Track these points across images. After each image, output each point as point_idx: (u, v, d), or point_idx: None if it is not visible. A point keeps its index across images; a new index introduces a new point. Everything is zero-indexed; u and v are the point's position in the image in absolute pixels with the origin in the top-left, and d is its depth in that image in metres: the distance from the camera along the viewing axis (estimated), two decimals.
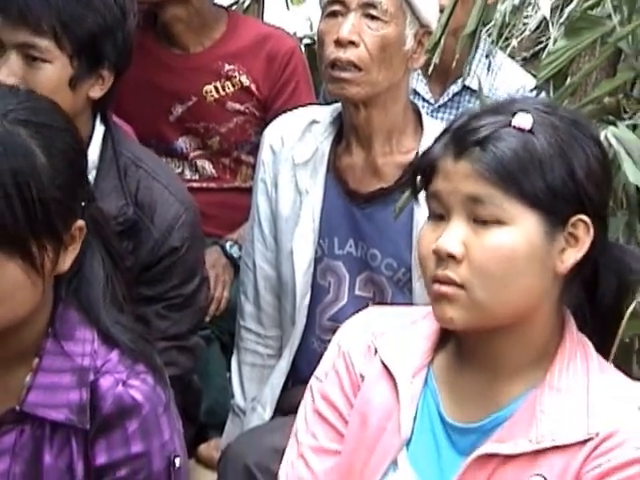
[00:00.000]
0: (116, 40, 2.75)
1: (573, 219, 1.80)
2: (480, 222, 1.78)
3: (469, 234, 1.78)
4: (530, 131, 1.78)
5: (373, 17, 2.78)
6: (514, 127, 1.78)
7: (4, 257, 1.80)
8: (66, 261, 1.90)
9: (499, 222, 1.77)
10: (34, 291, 1.85)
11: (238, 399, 3.05)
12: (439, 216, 1.82)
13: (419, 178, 1.88)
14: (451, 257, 1.77)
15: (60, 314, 1.94)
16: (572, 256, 1.81)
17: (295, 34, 4.06)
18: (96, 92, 2.75)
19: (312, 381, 2.05)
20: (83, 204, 1.92)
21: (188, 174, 3.61)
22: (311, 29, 4.36)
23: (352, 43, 2.77)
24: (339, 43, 2.78)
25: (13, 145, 1.81)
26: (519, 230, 1.77)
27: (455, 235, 1.78)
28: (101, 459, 1.90)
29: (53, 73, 2.67)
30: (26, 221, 1.79)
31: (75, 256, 1.92)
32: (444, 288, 1.79)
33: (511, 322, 1.82)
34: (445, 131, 1.86)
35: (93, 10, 2.71)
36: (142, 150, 2.94)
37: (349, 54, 2.77)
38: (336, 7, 2.81)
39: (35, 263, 1.82)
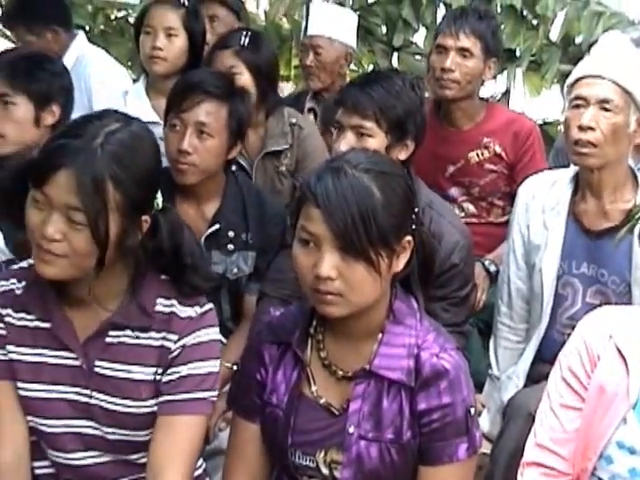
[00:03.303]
0: (416, 120, 2.80)
1: None
2: None
3: None
4: None
5: (607, 109, 2.75)
6: None
7: (353, 261, 1.83)
8: (398, 265, 1.92)
9: None
10: (375, 285, 1.87)
11: (494, 370, 3.06)
12: None
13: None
14: None
15: (396, 307, 1.97)
16: None
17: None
18: (402, 155, 2.80)
19: (560, 356, 2.05)
20: (413, 226, 1.94)
21: (457, 213, 3.59)
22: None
23: (591, 128, 2.75)
24: (581, 128, 2.75)
25: (359, 187, 1.84)
26: None
27: None
28: (421, 406, 1.91)
29: (375, 144, 2.72)
30: (367, 238, 1.82)
31: (406, 261, 1.93)
32: None
33: None
34: None
35: (401, 100, 2.77)
36: (433, 195, 2.96)
37: (589, 136, 2.75)
38: (580, 102, 2.78)
39: (374, 266, 1.84)
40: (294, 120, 3.51)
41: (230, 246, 2.95)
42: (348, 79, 4.12)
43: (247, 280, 3.00)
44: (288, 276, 2.87)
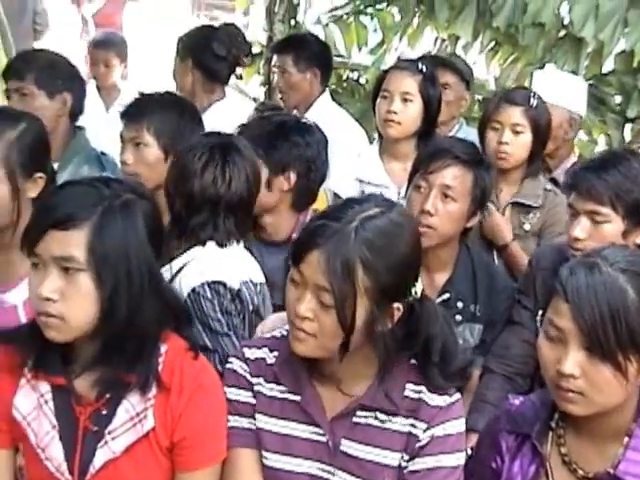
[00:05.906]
0: None
1: None
2: None
3: None
4: None
5: None
6: None
7: (599, 361, 1.74)
8: None
9: None
10: (620, 389, 1.77)
11: None
12: None
13: None
14: None
15: None
16: None
17: None
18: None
19: None
20: None
21: None
22: None
23: None
24: None
25: (612, 286, 1.75)
26: None
27: None
28: None
29: (612, 230, 2.61)
30: (615, 340, 1.73)
31: None
32: None
33: None
34: None
35: (638, 184, 2.64)
36: None
37: None
38: None
39: (621, 369, 1.75)
40: (549, 186, 3.46)
41: (458, 317, 2.89)
42: (577, 149, 4.01)
43: (471, 353, 2.93)
44: (513, 353, 2.81)
